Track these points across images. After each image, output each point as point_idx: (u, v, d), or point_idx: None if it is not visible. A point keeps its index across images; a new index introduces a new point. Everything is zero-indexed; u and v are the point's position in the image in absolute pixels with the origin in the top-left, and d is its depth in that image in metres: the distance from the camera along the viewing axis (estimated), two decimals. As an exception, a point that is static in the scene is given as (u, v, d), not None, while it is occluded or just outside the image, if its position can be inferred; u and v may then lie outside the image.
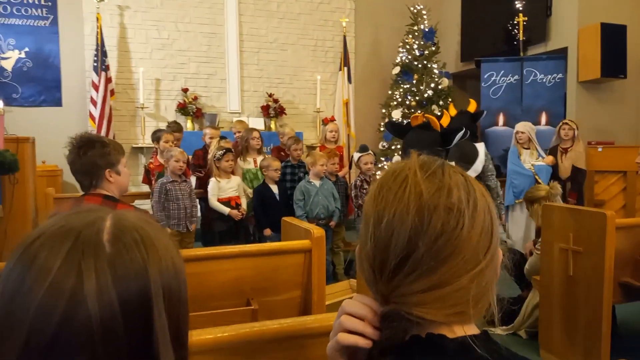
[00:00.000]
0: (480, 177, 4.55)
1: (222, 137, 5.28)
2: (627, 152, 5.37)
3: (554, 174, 5.34)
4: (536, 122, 6.09)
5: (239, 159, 5.20)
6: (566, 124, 5.42)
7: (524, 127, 5.41)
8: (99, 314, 0.55)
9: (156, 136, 5.26)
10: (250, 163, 5.21)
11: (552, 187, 3.85)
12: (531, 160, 5.32)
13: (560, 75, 6.42)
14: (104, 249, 0.58)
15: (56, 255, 0.57)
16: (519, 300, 3.77)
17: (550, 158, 5.39)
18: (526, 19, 6.64)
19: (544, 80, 6.48)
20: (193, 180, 5.27)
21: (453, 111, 5.01)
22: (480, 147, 4.59)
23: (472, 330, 0.72)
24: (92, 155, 2.15)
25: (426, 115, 4.17)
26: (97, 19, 6.65)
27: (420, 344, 0.70)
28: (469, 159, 4.56)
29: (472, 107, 4.93)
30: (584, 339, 3.02)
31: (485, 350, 0.69)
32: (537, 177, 5.15)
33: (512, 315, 3.74)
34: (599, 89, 6.49)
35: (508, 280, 3.98)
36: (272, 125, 7.59)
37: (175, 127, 5.94)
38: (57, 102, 6.88)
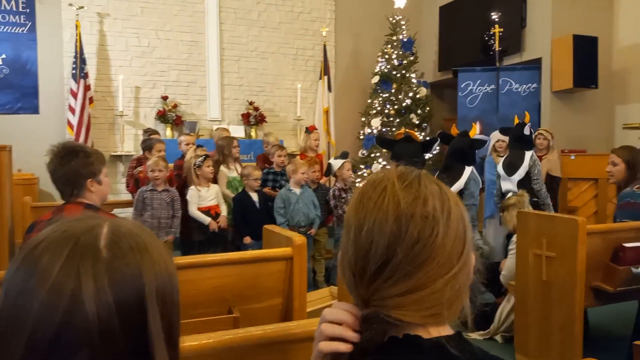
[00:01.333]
0: (523, 182, 4.77)
1: (199, 146, 5.23)
2: (598, 159, 5.53)
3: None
4: (512, 131, 6.22)
5: (222, 166, 5.16)
6: (541, 134, 5.56)
7: (504, 135, 5.53)
8: (96, 314, 0.58)
9: (146, 145, 5.17)
10: (234, 171, 5.19)
11: (520, 195, 4.01)
12: (508, 167, 5.42)
13: (534, 85, 6.58)
14: (101, 254, 0.62)
15: (57, 259, 0.60)
16: (494, 307, 3.85)
17: None
18: (502, 30, 6.80)
19: (519, 90, 6.64)
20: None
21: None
22: (528, 155, 4.85)
23: (446, 331, 0.77)
24: (74, 165, 2.14)
25: (407, 130, 4.49)
26: (77, 26, 6.61)
27: (398, 344, 0.74)
28: (512, 167, 4.87)
29: (526, 119, 5.40)
30: (558, 341, 3.11)
31: (458, 350, 0.73)
32: None
33: (488, 321, 3.82)
34: (572, 99, 6.67)
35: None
36: (253, 133, 7.60)
37: (152, 131, 5.96)
38: (35, 110, 6.79)
